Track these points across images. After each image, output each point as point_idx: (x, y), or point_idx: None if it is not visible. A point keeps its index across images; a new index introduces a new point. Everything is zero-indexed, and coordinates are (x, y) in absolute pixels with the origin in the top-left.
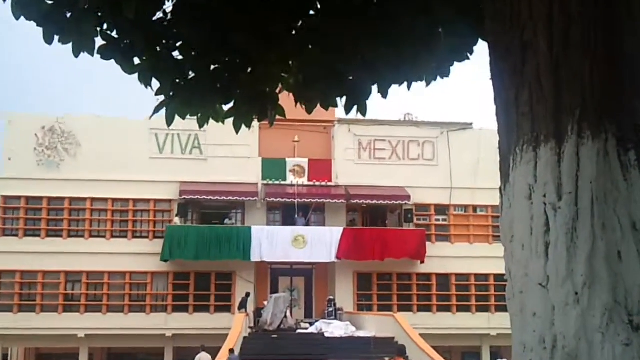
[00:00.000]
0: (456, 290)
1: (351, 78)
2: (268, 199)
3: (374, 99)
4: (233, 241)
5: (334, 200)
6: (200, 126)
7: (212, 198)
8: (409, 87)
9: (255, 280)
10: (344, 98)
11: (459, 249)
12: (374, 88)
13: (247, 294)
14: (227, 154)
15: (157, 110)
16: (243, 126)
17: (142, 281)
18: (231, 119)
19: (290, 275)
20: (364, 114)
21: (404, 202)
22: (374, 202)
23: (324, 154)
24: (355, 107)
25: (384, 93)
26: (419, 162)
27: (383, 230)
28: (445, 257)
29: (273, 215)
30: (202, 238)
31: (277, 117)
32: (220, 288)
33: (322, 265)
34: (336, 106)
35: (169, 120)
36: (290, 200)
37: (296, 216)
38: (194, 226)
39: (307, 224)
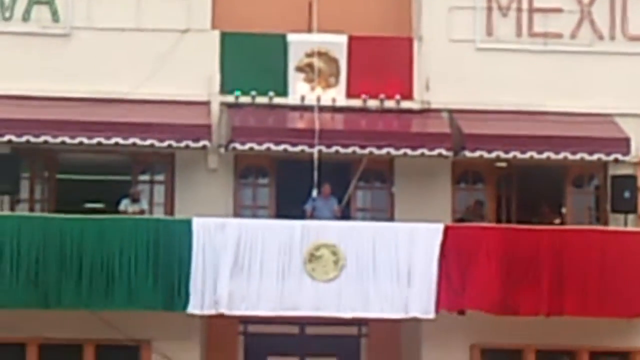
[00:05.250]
0: None
1: None
2: (238, 145)
3: None
4: (142, 259)
5: (420, 151)
6: None
7: (86, 141)
8: None
9: None
10: None
11: None
12: None
13: None
14: (125, 20)
15: None
16: None
17: None
18: None
19: (299, 354)
20: None
21: (611, 157)
22: (530, 155)
23: (390, 24)
24: None
25: None
26: None
27: (560, 231)
28: None
29: (251, 188)
30: (61, 249)
31: None
32: None
33: (386, 326)
34: None
35: None
36: (296, 148)
37: (314, 191)
38: (38, 216)
39: (344, 213)
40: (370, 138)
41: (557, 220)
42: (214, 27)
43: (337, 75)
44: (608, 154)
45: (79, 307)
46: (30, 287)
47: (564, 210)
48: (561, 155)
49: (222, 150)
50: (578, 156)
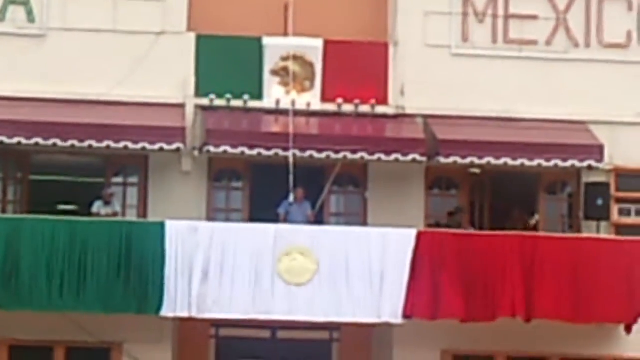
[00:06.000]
0: None
1: None
2: (212, 148)
3: None
4: (114, 261)
5: (393, 156)
6: None
7: (59, 143)
8: None
9: None
10: None
11: None
12: None
13: None
14: (100, 21)
15: None
16: None
17: None
18: None
19: (271, 358)
20: None
21: (585, 164)
22: (504, 161)
23: (366, 29)
24: None
25: None
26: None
27: (533, 238)
28: None
29: (224, 191)
30: (32, 251)
31: None
32: None
33: (357, 331)
34: None
35: None
36: (271, 151)
37: (290, 195)
38: (10, 217)
39: (317, 217)
40: (345, 143)
41: (532, 221)
42: (189, 29)
43: (312, 79)
44: (582, 161)
45: (51, 309)
46: (1, 289)
47: (536, 216)
48: (535, 162)
49: (196, 153)
50: (552, 163)
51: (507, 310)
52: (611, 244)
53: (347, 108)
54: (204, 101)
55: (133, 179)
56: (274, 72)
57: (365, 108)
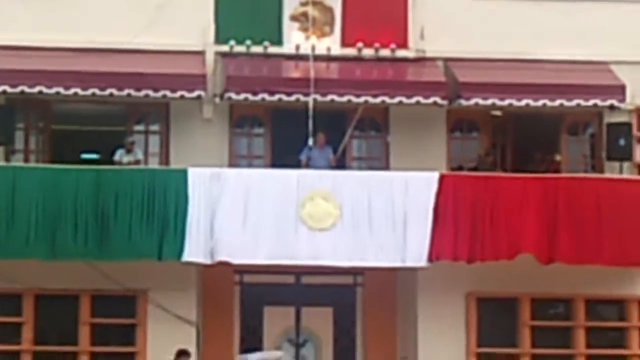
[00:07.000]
0: None
1: None
2: (232, 95)
3: None
4: (137, 208)
5: (415, 99)
6: None
7: (80, 92)
8: None
9: (200, 317)
10: None
11: None
12: None
13: (182, 353)
14: None
15: None
16: None
17: None
18: None
19: (295, 304)
20: None
21: (607, 103)
22: (525, 102)
23: None
24: None
25: None
26: None
27: (555, 179)
28: None
29: (246, 137)
30: (56, 200)
31: None
32: (104, 334)
33: (381, 276)
34: None
35: None
36: (291, 97)
37: (309, 140)
38: (34, 167)
39: (339, 162)
40: (365, 87)
41: (557, 158)
42: None
43: (331, 24)
44: (604, 101)
45: (75, 258)
46: (26, 238)
47: (558, 157)
48: (557, 102)
49: (217, 100)
50: (574, 103)
51: (530, 248)
52: (634, 184)
53: (367, 52)
54: (224, 48)
55: (154, 127)
56: (294, 18)
57: (385, 52)
